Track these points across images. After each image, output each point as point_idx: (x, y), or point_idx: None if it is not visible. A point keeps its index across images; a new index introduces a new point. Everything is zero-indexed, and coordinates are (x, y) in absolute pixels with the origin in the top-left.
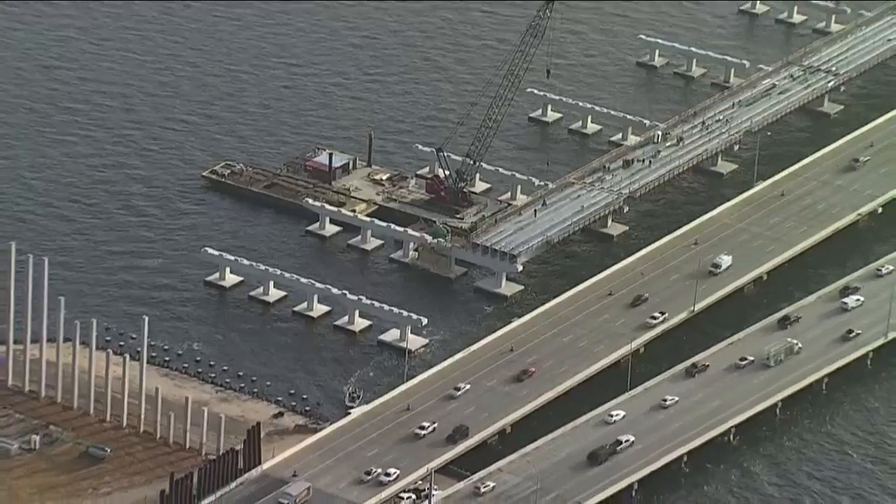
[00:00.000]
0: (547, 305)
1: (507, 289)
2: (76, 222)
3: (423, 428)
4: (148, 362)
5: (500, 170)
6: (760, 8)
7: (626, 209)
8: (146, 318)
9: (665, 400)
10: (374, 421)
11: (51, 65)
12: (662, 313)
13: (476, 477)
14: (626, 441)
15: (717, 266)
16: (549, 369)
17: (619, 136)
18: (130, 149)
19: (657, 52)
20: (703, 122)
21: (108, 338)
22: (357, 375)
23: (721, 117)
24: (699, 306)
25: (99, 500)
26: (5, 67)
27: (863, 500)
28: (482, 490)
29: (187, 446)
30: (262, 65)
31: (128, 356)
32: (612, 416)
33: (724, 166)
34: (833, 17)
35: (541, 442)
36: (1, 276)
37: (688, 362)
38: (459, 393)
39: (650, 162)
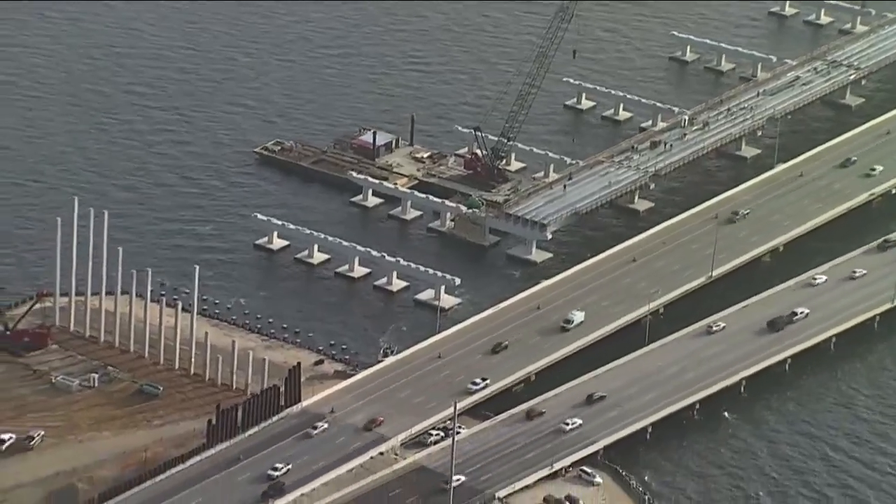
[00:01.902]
0: (573, 269)
1: (537, 256)
2: (136, 191)
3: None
4: (198, 313)
5: (535, 149)
6: (789, 10)
7: (651, 186)
8: (197, 267)
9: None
10: (406, 367)
11: (121, 52)
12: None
13: (502, 416)
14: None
15: (568, 322)
16: (581, 329)
17: (650, 122)
18: (189, 127)
19: (689, 47)
20: (728, 109)
21: (163, 292)
22: (392, 328)
23: (746, 105)
24: (717, 272)
25: (152, 430)
26: (77, 53)
27: None
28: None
29: (234, 387)
30: (313, 53)
31: (180, 306)
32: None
33: (748, 151)
34: (858, 18)
35: (563, 388)
36: (62, 234)
37: (704, 321)
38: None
39: (671, 145)
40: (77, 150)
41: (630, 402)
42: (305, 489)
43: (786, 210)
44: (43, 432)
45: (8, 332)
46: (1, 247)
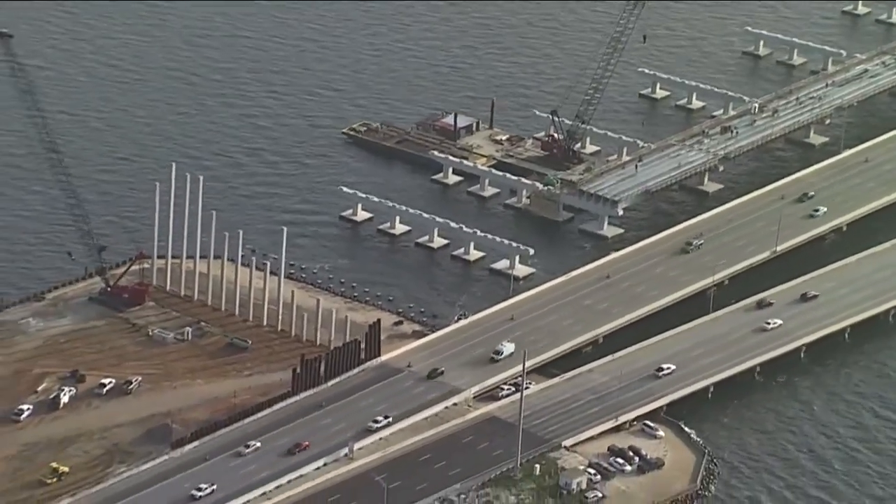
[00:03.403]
0: (642, 242)
1: (609, 231)
2: (229, 167)
3: (376, 421)
4: (285, 277)
5: (609, 133)
6: (862, 9)
7: (721, 169)
8: (285, 229)
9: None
10: (480, 328)
11: (217, 40)
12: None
13: (568, 375)
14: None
15: (498, 353)
16: (643, 292)
17: (721, 112)
18: (281, 109)
19: (762, 42)
20: (798, 98)
21: (253, 257)
22: (467, 294)
23: (814, 94)
24: (781, 247)
25: (240, 380)
26: (164, 45)
27: None
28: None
29: (317, 343)
30: (399, 42)
31: (268, 269)
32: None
33: (816, 139)
34: None
35: (626, 351)
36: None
37: (767, 292)
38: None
39: (737, 131)
40: (177, 127)
41: (693, 364)
42: (385, 433)
43: (850, 192)
44: (140, 378)
45: (109, 289)
46: (105, 211)
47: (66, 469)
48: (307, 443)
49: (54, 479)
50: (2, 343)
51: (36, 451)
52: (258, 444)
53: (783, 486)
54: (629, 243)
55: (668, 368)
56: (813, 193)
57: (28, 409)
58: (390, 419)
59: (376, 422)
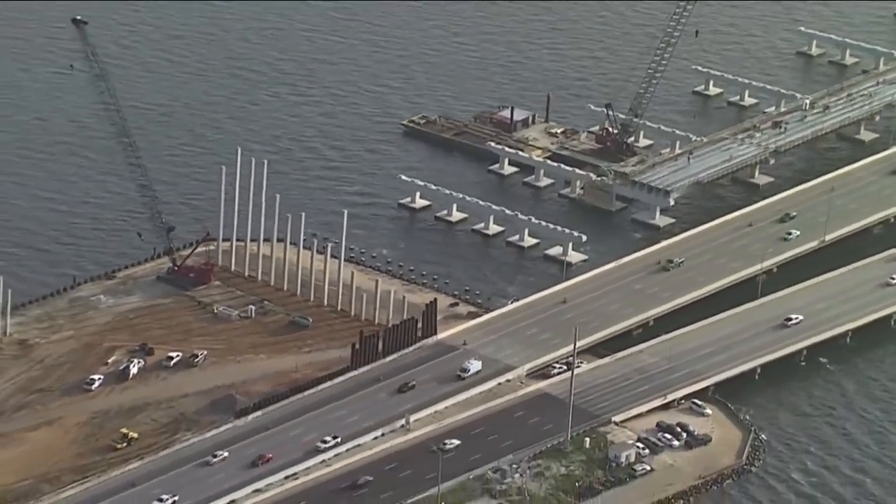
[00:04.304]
0: (693, 231)
1: (661, 220)
2: (289, 161)
3: (324, 441)
4: (345, 260)
5: (662, 127)
6: None
7: (771, 162)
8: (346, 212)
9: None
10: (533, 310)
11: (277, 37)
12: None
13: (618, 355)
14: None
15: (464, 370)
16: (693, 277)
17: (773, 108)
18: (343, 101)
19: (814, 42)
20: (849, 95)
21: (315, 240)
22: (521, 278)
23: (865, 92)
24: (829, 237)
25: (301, 356)
26: (229, 42)
27: None
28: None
29: (376, 322)
30: (458, 39)
31: (329, 251)
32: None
33: (866, 135)
34: None
35: (677, 333)
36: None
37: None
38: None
39: (785, 127)
40: (242, 118)
41: (741, 346)
42: (438, 406)
43: None
44: (205, 352)
45: (176, 269)
46: (174, 193)
47: (135, 435)
48: (270, 455)
49: (124, 445)
50: (75, 318)
51: (106, 418)
52: (225, 454)
53: (820, 465)
54: (680, 232)
55: (797, 318)
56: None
57: (99, 379)
58: (338, 440)
59: (324, 442)
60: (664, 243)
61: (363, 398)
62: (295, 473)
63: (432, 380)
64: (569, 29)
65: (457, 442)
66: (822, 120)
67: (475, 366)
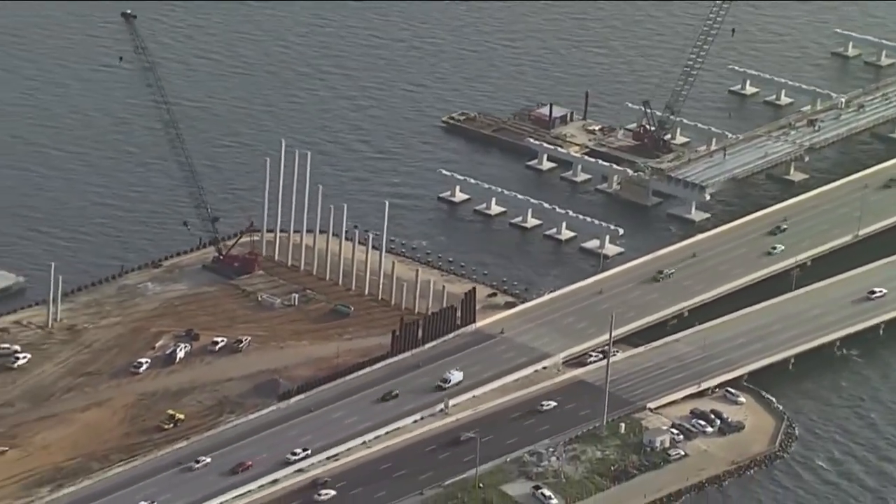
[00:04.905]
0: (728, 225)
1: (696, 215)
2: (331, 156)
3: (294, 454)
4: (386, 251)
5: (699, 125)
6: None
7: (806, 159)
8: (387, 203)
9: None
10: (570, 300)
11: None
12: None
13: (653, 344)
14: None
15: (445, 381)
16: (727, 271)
17: (809, 107)
18: (383, 98)
19: (850, 43)
20: (884, 94)
21: (356, 230)
22: (558, 270)
23: None
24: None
25: (342, 342)
26: (273, 38)
27: None
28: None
29: (415, 311)
30: (498, 37)
31: (370, 242)
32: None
33: None
34: None
35: (711, 323)
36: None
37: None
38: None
39: (819, 126)
40: (285, 113)
41: (775, 337)
42: (478, 391)
43: None
44: (249, 338)
45: (221, 258)
46: (219, 184)
47: (181, 416)
48: (250, 462)
49: (171, 425)
50: (122, 304)
51: (153, 400)
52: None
53: (847, 454)
54: (715, 226)
55: (881, 292)
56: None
57: (146, 362)
58: (309, 451)
59: (294, 454)
60: (699, 237)
61: (403, 384)
62: (336, 455)
63: (470, 365)
64: (607, 28)
65: (495, 426)
66: (856, 118)
67: (456, 376)
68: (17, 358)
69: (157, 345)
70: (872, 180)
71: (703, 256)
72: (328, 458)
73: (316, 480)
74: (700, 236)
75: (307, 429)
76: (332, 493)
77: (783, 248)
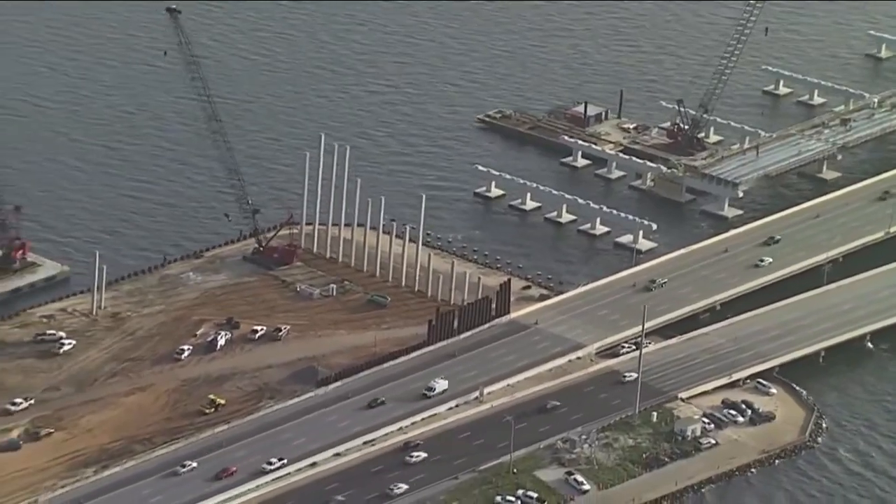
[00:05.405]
0: (760, 221)
1: (729, 212)
2: (368, 152)
3: (270, 463)
4: (422, 244)
5: (732, 123)
6: None
7: (839, 157)
8: (423, 196)
9: None
10: (604, 292)
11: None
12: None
13: (685, 336)
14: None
15: (430, 389)
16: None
17: (842, 108)
18: (420, 95)
19: (884, 45)
20: None
21: (394, 223)
22: (592, 264)
23: None
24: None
25: (379, 332)
26: (312, 37)
27: None
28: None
29: (451, 302)
30: (533, 37)
31: (407, 235)
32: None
33: None
34: None
35: (743, 316)
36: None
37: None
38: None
39: (850, 126)
40: (324, 110)
41: (806, 330)
42: (511, 380)
43: None
44: (288, 327)
45: (261, 249)
46: (260, 178)
47: (222, 401)
48: (234, 468)
49: (212, 410)
50: (165, 294)
51: (195, 385)
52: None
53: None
54: (748, 223)
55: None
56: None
57: (188, 349)
58: (285, 461)
59: (270, 463)
60: (731, 232)
61: (438, 372)
62: (373, 440)
63: (505, 354)
64: (641, 27)
65: (529, 413)
66: (889, 118)
67: (441, 385)
68: (63, 344)
69: (199, 332)
70: None
71: (733, 252)
72: (364, 443)
73: (408, 443)
74: (733, 231)
75: (344, 414)
76: (423, 455)
77: (771, 260)
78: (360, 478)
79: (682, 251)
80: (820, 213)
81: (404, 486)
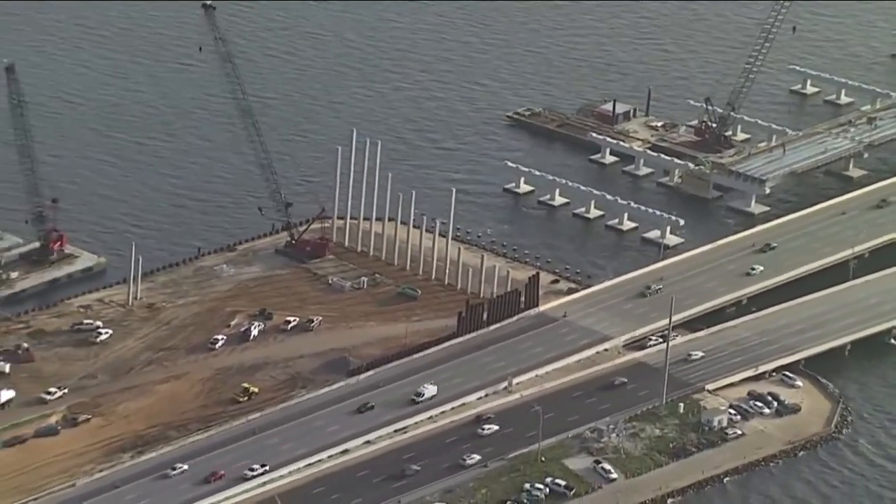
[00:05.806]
0: (787, 217)
1: (756, 208)
2: (398, 149)
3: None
4: (452, 238)
5: (759, 121)
6: None
7: (865, 156)
8: (454, 190)
9: None
10: (631, 286)
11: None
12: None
13: (712, 329)
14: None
15: (419, 395)
16: (784, 259)
17: (869, 107)
18: (449, 93)
19: None
20: None
21: (424, 217)
22: (620, 259)
23: None
24: None
25: (410, 324)
26: (334, 36)
27: None
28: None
29: (480, 295)
30: (564, 36)
31: (437, 229)
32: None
33: None
34: None
35: (770, 310)
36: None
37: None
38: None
39: (876, 125)
40: (354, 108)
41: (832, 325)
42: (540, 371)
43: None
44: (320, 318)
45: (293, 243)
46: (292, 172)
47: (255, 389)
48: (223, 472)
49: (245, 398)
50: (199, 285)
51: (229, 374)
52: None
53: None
54: (775, 219)
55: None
56: None
57: (222, 339)
58: (266, 467)
59: (252, 470)
60: (759, 227)
61: (468, 362)
62: (404, 428)
63: (533, 346)
64: (664, 27)
65: (557, 404)
66: None
67: (430, 390)
68: (100, 333)
69: (233, 323)
70: None
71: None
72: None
73: (480, 416)
74: (760, 227)
75: (376, 399)
76: (495, 427)
77: (762, 268)
78: (435, 449)
79: (709, 246)
80: (845, 210)
81: (477, 457)
